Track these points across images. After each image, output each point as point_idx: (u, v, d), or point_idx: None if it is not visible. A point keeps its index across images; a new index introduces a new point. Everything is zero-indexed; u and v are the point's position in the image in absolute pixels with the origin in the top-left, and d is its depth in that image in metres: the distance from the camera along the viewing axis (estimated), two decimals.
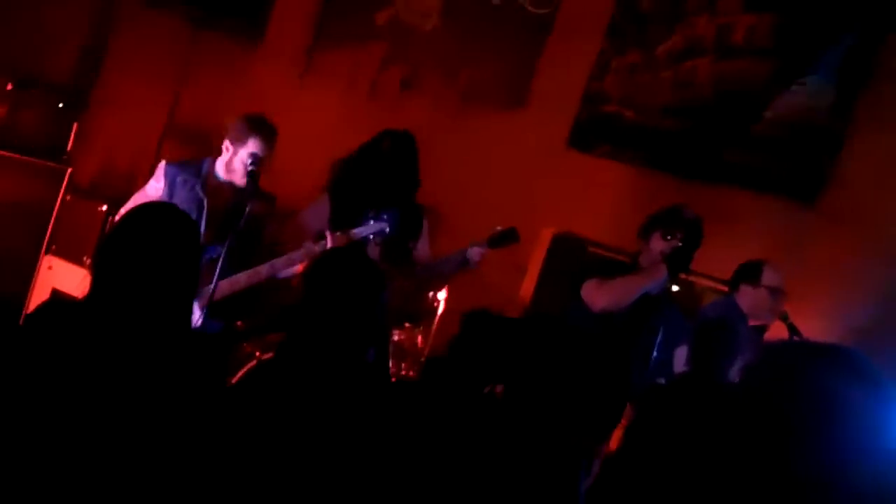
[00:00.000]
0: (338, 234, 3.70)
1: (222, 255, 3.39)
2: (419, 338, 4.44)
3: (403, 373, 4.35)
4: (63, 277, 5.12)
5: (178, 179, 3.73)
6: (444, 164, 4.54)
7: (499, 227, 3.99)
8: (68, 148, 5.50)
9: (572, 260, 4.83)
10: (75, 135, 5.54)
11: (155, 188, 3.77)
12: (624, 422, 3.32)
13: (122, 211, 3.48)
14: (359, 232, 3.73)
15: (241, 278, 3.70)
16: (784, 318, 4.06)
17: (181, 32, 6.20)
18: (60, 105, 5.50)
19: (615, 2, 5.26)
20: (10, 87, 5.17)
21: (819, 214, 4.62)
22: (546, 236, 5.09)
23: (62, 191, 5.40)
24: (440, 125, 5.32)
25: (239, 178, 3.68)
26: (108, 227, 5.13)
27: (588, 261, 4.72)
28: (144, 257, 2.12)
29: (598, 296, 3.81)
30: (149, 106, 6.16)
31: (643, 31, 5.18)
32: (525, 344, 2.60)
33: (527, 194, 5.14)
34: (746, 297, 4.06)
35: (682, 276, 4.01)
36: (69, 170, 5.43)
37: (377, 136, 3.98)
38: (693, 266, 3.91)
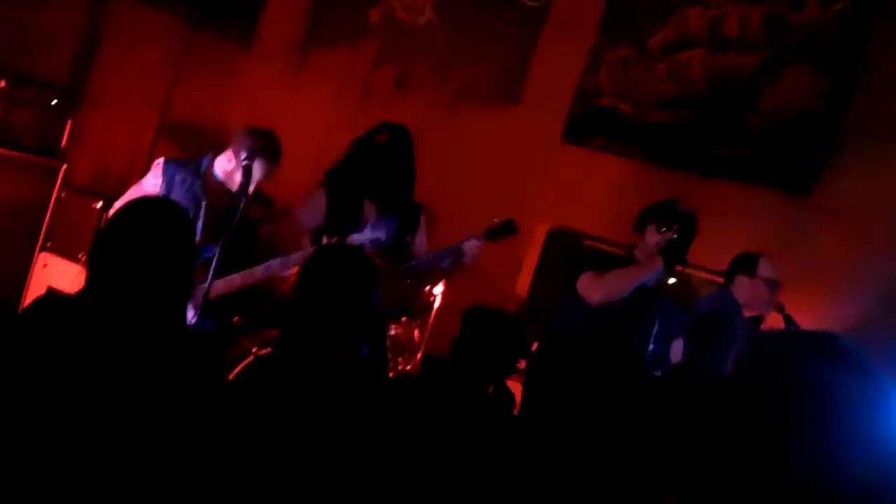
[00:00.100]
0: (335, 240, 3.69)
1: (216, 255, 3.38)
2: (416, 332, 4.43)
3: (400, 367, 4.35)
4: (58, 274, 5.11)
5: (177, 178, 3.71)
6: (439, 161, 4.53)
7: (497, 219, 3.89)
8: (62, 145, 5.48)
9: (568, 254, 4.84)
10: (69, 132, 5.53)
11: (152, 184, 3.75)
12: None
13: (117, 205, 3.47)
14: (355, 239, 3.69)
15: (236, 279, 3.70)
16: (780, 309, 4.07)
17: (174, 31, 6.20)
18: (54, 102, 5.48)
19: None
20: (3, 84, 5.15)
21: (813, 206, 4.63)
22: (541, 231, 5.10)
23: (57, 188, 5.38)
24: (434, 122, 5.31)
25: (237, 187, 3.63)
26: (103, 222, 5.12)
27: (584, 254, 4.72)
28: (139, 251, 2.12)
29: (595, 289, 3.81)
30: (142, 104, 6.15)
31: (636, 24, 5.19)
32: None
33: (522, 190, 5.13)
34: (742, 289, 4.06)
35: (678, 268, 4.01)
36: (64, 166, 5.41)
37: (373, 128, 3.93)
38: (688, 258, 3.92)
